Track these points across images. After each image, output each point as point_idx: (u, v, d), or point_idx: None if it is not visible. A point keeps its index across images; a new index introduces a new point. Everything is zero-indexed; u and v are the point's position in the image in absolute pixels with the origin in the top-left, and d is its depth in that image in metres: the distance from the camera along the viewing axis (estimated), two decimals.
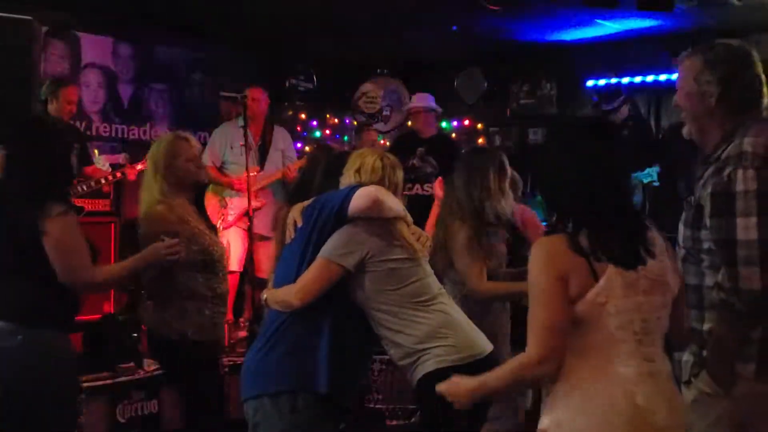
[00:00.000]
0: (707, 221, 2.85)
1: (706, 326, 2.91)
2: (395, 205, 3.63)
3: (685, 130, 3.15)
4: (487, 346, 3.71)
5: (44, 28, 7.59)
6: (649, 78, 8.77)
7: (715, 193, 2.83)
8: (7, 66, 5.24)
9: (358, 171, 3.74)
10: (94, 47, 8.31)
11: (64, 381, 3.82)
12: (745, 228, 2.73)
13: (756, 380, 2.86)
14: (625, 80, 8.92)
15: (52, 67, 7.87)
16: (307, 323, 3.53)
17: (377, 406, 6.11)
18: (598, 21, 8.07)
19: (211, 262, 4.41)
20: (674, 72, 8.48)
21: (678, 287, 2.70)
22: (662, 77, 8.69)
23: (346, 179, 3.76)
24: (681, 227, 3.09)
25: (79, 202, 6.47)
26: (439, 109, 8.36)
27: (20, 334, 3.68)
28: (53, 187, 3.80)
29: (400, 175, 3.82)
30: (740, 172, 2.79)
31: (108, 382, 5.49)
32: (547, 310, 2.56)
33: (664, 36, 8.63)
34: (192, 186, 4.56)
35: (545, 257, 2.60)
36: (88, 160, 7.01)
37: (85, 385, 5.38)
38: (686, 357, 3.00)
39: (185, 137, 4.61)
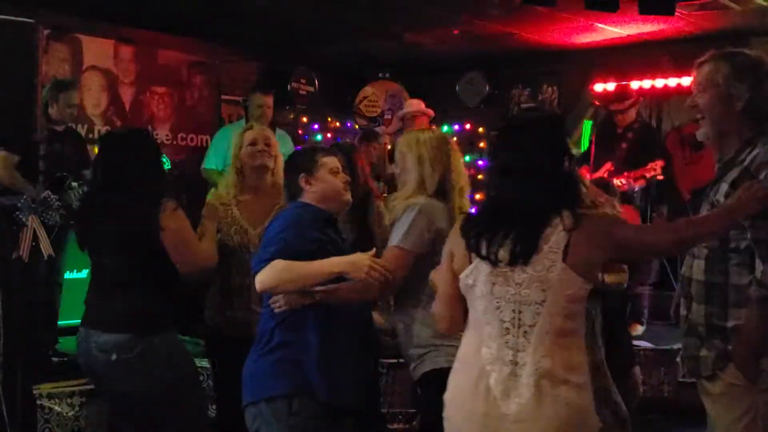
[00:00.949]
0: (745, 222, 2.90)
1: (730, 323, 2.98)
2: None
3: (700, 133, 3.21)
4: None
5: (46, 31, 7.59)
6: (651, 82, 8.77)
7: None
8: (9, 68, 5.22)
9: None
10: (95, 50, 8.32)
11: (187, 376, 4.08)
12: None
13: None
14: (628, 84, 8.91)
15: (54, 70, 7.88)
16: (296, 327, 3.53)
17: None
18: (599, 25, 8.07)
19: None
20: (677, 76, 8.55)
21: (572, 287, 2.71)
22: (663, 81, 8.69)
23: None
24: None
25: None
26: (431, 113, 8.35)
27: (137, 345, 3.86)
28: (163, 185, 4.10)
29: None
30: None
31: None
32: (441, 280, 2.99)
33: (666, 40, 8.64)
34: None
35: (451, 232, 2.96)
36: (88, 164, 6.98)
37: (86, 387, 5.38)
38: (704, 352, 3.04)
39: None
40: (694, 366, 3.10)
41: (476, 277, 2.78)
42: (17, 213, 5.46)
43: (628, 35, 8.48)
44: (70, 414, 5.34)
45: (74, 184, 6.13)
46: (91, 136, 8.17)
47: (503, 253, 2.73)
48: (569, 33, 8.48)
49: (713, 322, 3.02)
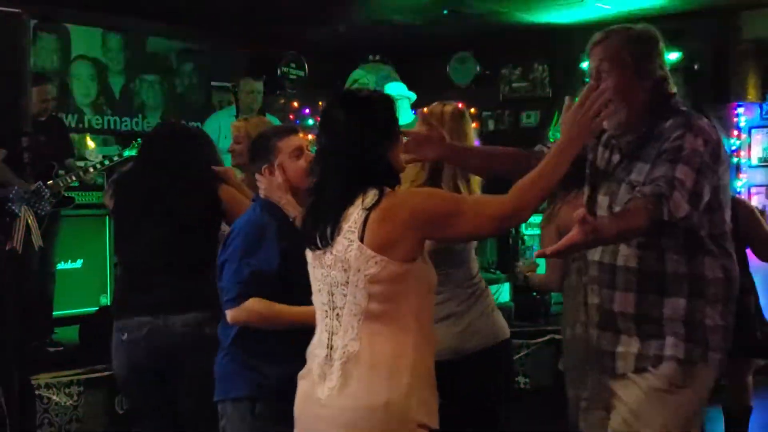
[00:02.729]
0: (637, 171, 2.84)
1: (666, 311, 2.85)
2: None
3: (613, 124, 2.96)
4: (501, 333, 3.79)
5: (33, 21, 7.56)
6: None
7: (664, 150, 2.80)
8: None
9: None
10: (84, 39, 8.30)
11: None
12: (683, 174, 2.71)
13: (716, 369, 2.91)
14: None
15: (42, 61, 7.85)
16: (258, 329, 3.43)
17: None
18: (589, 2, 8.06)
19: None
20: (667, 51, 8.55)
21: (372, 266, 2.57)
22: None
23: None
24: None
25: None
26: (413, 97, 8.33)
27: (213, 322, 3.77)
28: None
29: None
30: (689, 136, 2.79)
31: (106, 373, 5.48)
32: None
33: (658, 17, 8.62)
34: None
35: None
36: (71, 153, 6.93)
37: (83, 377, 5.39)
38: (622, 348, 2.93)
39: None
40: (607, 362, 2.97)
41: (307, 260, 2.77)
42: (9, 204, 5.46)
43: (618, 12, 8.46)
44: (68, 403, 5.34)
45: (61, 172, 6.12)
46: (81, 126, 8.16)
47: (315, 237, 2.67)
48: (559, 11, 8.46)
49: (646, 313, 2.88)
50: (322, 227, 2.63)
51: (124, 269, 4.43)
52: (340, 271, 2.61)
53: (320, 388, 2.64)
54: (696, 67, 8.61)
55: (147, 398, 4.23)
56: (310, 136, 3.78)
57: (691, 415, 2.93)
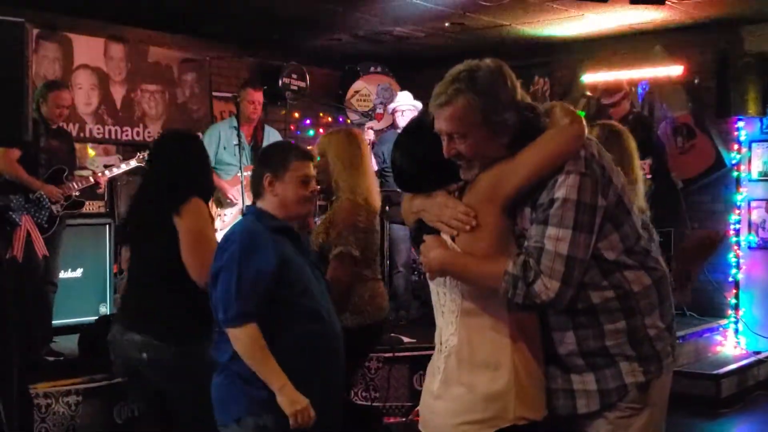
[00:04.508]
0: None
1: (609, 342, 2.74)
2: None
3: (470, 175, 2.75)
4: None
5: (35, 31, 7.58)
6: (642, 72, 8.78)
7: (540, 203, 2.67)
8: None
9: None
10: (86, 48, 8.31)
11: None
12: (555, 239, 2.60)
13: (670, 371, 2.88)
14: (619, 74, 8.93)
15: (45, 70, 7.87)
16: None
17: (374, 404, 6.12)
18: (590, 15, 8.07)
19: None
20: (668, 66, 8.56)
21: None
22: (654, 71, 8.71)
23: None
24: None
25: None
26: (420, 106, 8.34)
27: (173, 347, 3.90)
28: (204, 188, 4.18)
29: None
30: (561, 177, 2.63)
31: (105, 383, 5.48)
32: None
33: (656, 30, 8.64)
34: None
35: None
36: (74, 164, 6.96)
37: (82, 386, 5.38)
38: (580, 386, 2.79)
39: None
40: (566, 402, 2.80)
41: None
42: (10, 213, 5.47)
43: (619, 25, 8.48)
44: (66, 413, 5.33)
45: (69, 177, 6.16)
46: (82, 135, 8.16)
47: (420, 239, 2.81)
48: (560, 24, 8.47)
49: (590, 347, 2.75)
50: (417, 230, 2.82)
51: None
52: None
53: (435, 381, 2.78)
54: (696, 81, 8.63)
55: (139, 398, 4.45)
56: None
57: (660, 423, 2.91)
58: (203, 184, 4.18)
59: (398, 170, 2.90)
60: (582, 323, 2.75)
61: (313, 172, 3.69)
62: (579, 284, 2.65)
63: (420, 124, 2.94)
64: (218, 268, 3.45)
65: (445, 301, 2.77)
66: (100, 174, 6.50)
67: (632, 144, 4.00)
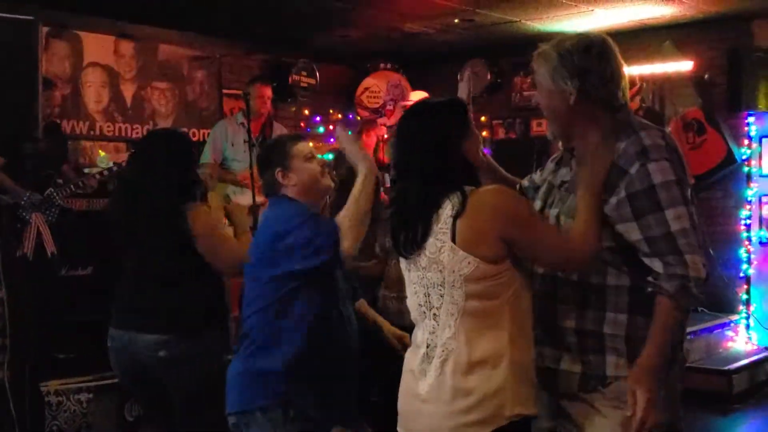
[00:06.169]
0: (623, 226, 2.74)
1: (607, 329, 2.78)
2: None
3: (549, 132, 3.05)
4: None
5: (45, 29, 7.59)
6: (652, 66, 8.76)
7: (632, 194, 2.72)
8: (9, 66, 5.22)
9: None
10: (96, 46, 8.32)
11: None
12: (677, 218, 2.66)
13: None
14: (629, 69, 8.90)
15: (54, 67, 7.88)
16: (277, 336, 3.44)
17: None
18: (600, 11, 8.05)
19: None
20: (678, 61, 8.55)
21: (466, 266, 2.65)
22: (664, 66, 8.68)
23: None
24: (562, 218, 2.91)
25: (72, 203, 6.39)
26: None
27: (181, 343, 3.94)
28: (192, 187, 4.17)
29: None
30: (652, 165, 2.70)
31: (116, 380, 5.48)
32: None
33: (666, 25, 8.62)
34: None
35: None
36: (67, 158, 6.92)
37: (93, 384, 5.39)
38: (565, 366, 2.85)
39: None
40: (549, 380, 2.87)
41: (401, 263, 2.87)
42: (20, 211, 5.47)
43: (629, 21, 8.46)
44: (78, 410, 5.35)
45: (59, 181, 6.09)
46: (92, 133, 8.18)
47: (405, 241, 2.77)
48: (570, 20, 8.45)
49: (587, 328, 2.80)
50: (411, 231, 2.74)
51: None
52: (435, 273, 2.71)
53: (420, 384, 2.75)
54: (707, 76, 8.60)
55: (143, 400, 4.50)
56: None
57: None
58: (195, 184, 4.21)
59: None
60: (589, 302, 2.80)
61: (311, 147, 3.72)
62: (602, 260, 2.77)
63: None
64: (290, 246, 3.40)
65: (440, 302, 2.71)
66: (82, 183, 6.37)
67: None
